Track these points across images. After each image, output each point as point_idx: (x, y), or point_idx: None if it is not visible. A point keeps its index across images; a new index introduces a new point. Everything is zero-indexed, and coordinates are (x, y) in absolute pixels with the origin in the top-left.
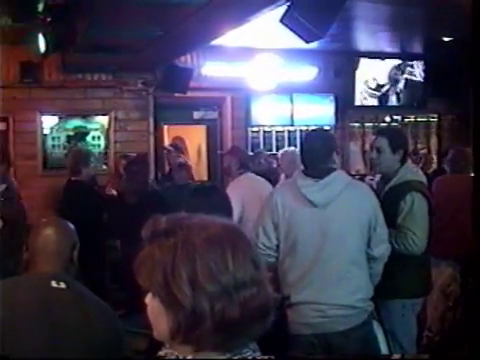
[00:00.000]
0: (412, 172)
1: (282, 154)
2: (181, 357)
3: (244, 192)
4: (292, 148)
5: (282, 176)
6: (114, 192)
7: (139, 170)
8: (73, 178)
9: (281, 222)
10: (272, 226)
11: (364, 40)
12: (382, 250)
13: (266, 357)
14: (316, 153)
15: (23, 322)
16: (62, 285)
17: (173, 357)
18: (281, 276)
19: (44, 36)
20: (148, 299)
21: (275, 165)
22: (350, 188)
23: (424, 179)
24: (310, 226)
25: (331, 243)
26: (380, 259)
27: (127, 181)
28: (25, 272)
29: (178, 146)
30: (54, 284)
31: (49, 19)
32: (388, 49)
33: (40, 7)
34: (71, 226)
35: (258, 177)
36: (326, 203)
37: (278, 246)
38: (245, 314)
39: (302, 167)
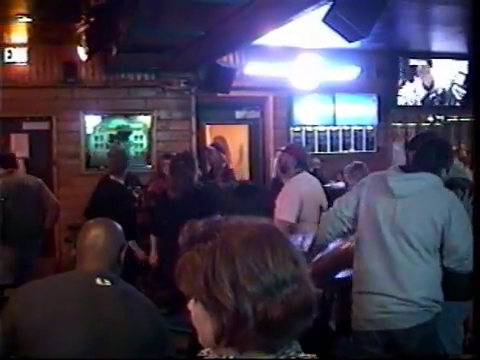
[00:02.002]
0: (458, 170)
1: (347, 168)
2: (223, 357)
3: (303, 191)
4: (358, 162)
5: (340, 183)
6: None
7: (185, 165)
8: (112, 177)
9: (362, 201)
10: (355, 202)
11: (407, 39)
12: (451, 262)
13: (309, 356)
14: (427, 158)
15: (67, 319)
16: (107, 282)
17: (215, 357)
18: (354, 262)
19: (87, 36)
20: (191, 305)
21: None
22: (434, 189)
23: (470, 177)
24: (383, 213)
25: (400, 235)
26: (452, 270)
27: (172, 176)
28: (72, 269)
29: (220, 146)
30: (99, 281)
31: (92, 19)
32: (432, 48)
33: (84, 7)
34: (119, 227)
35: (313, 177)
36: (404, 195)
37: (352, 221)
38: (287, 312)
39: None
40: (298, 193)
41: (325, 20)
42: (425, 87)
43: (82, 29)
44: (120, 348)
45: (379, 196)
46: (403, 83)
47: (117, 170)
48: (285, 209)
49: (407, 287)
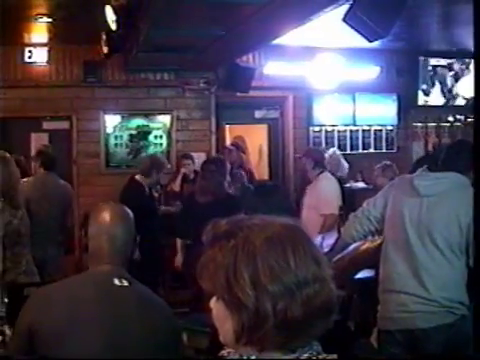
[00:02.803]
0: None
1: (329, 156)
2: (245, 357)
3: (332, 190)
4: (335, 150)
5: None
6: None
7: (217, 170)
8: (137, 177)
9: (390, 201)
10: (383, 201)
11: (428, 39)
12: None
13: (329, 357)
14: (457, 160)
15: (85, 320)
16: (124, 283)
17: (236, 356)
18: (381, 261)
19: (107, 36)
20: (212, 303)
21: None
22: (460, 189)
23: None
24: (409, 212)
25: (425, 234)
26: None
27: (202, 180)
28: (84, 256)
29: (239, 145)
30: (117, 282)
31: (113, 19)
32: (453, 48)
33: (103, 7)
34: (131, 214)
35: (332, 177)
36: (430, 194)
37: (379, 221)
38: (308, 312)
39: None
40: (334, 187)
41: (345, 19)
42: (445, 87)
43: (102, 29)
44: (135, 350)
45: (405, 196)
46: (423, 83)
47: (146, 174)
48: (329, 203)
49: (429, 287)
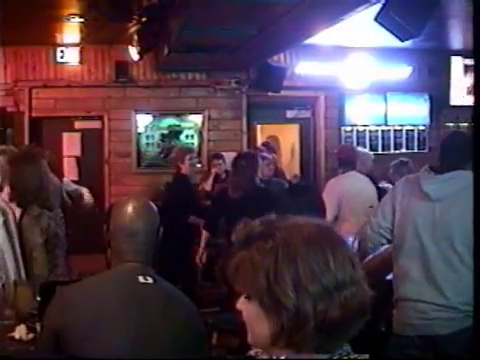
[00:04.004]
0: None
1: (393, 165)
2: (274, 357)
3: (342, 191)
4: (364, 149)
5: (385, 184)
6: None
7: (248, 166)
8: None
9: (398, 209)
10: (391, 210)
11: (459, 38)
12: None
13: (361, 357)
14: (456, 152)
15: (111, 319)
16: (149, 280)
17: (266, 357)
18: (394, 269)
19: (139, 36)
20: (242, 304)
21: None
22: (471, 188)
23: None
24: (421, 219)
25: (440, 239)
26: None
27: (233, 176)
28: (106, 251)
29: (270, 145)
30: (141, 279)
31: (144, 19)
32: None
33: (135, 7)
34: (155, 208)
35: (361, 176)
36: (441, 197)
37: (391, 231)
38: (345, 314)
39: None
40: (336, 193)
41: (377, 19)
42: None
43: (134, 29)
44: (160, 348)
45: (415, 202)
46: (456, 82)
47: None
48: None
49: (448, 294)
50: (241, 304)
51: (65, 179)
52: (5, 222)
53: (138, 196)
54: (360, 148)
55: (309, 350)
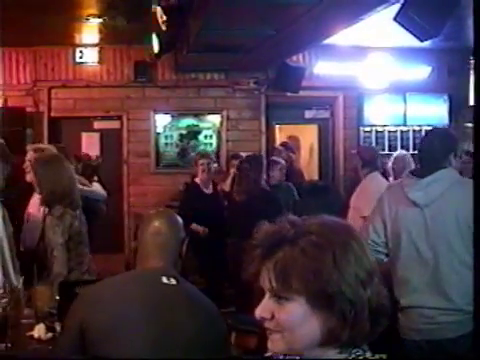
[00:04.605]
0: None
1: (396, 158)
2: (287, 357)
3: (375, 191)
4: (404, 152)
5: (390, 179)
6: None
7: (251, 168)
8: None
9: (388, 221)
10: (382, 224)
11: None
12: None
13: (377, 357)
14: (432, 153)
15: (133, 319)
16: (173, 281)
17: (281, 356)
18: (393, 279)
19: (158, 36)
20: (279, 307)
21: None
22: (457, 186)
23: None
24: (414, 226)
25: (436, 244)
26: None
27: (238, 178)
28: (133, 260)
29: (289, 145)
30: (165, 280)
31: (163, 19)
32: None
33: (154, 8)
34: (180, 220)
35: (381, 178)
36: (428, 202)
37: (387, 244)
38: (379, 301)
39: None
40: (378, 189)
41: (396, 19)
42: None
43: (153, 29)
44: (183, 349)
45: (404, 210)
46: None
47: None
48: (369, 204)
49: (453, 297)
50: (276, 307)
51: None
52: None
53: (165, 208)
54: (403, 151)
55: (361, 343)
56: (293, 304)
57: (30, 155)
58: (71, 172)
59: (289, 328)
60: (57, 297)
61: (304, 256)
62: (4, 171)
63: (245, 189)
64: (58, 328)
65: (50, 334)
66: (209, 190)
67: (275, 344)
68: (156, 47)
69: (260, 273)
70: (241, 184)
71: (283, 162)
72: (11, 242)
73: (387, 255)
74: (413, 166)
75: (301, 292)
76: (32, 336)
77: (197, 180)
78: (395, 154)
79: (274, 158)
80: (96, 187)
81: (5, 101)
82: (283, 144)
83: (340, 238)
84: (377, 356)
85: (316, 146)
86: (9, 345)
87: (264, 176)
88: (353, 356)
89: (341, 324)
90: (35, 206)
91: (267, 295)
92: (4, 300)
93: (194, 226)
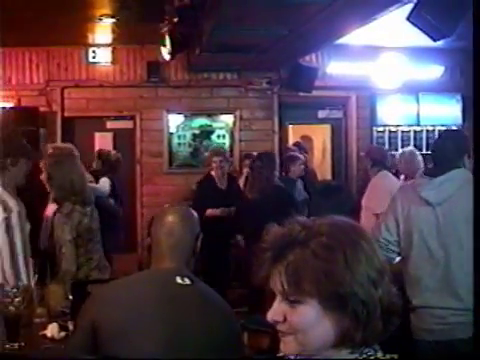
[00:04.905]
0: None
1: (400, 155)
2: (298, 357)
3: (393, 188)
4: (410, 148)
5: (401, 177)
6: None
7: (263, 166)
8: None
9: (400, 220)
10: (394, 223)
11: None
12: None
13: (388, 357)
14: (445, 153)
15: (147, 319)
16: (187, 281)
17: (292, 356)
18: (404, 279)
19: (171, 36)
20: (291, 309)
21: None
22: (469, 186)
23: None
24: (426, 225)
25: (447, 243)
26: None
27: (251, 177)
28: (147, 257)
29: (301, 145)
30: (179, 280)
31: (176, 19)
32: None
33: (167, 8)
34: (195, 215)
35: (392, 176)
36: (440, 201)
37: (399, 243)
38: (390, 299)
39: (429, 166)
40: (389, 187)
41: (409, 19)
42: None
43: (165, 29)
44: (196, 349)
45: (416, 209)
46: None
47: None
48: (381, 202)
49: (462, 296)
50: (288, 310)
51: None
52: (6, 219)
53: (179, 205)
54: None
55: (373, 342)
56: (305, 306)
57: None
58: (81, 169)
59: (302, 330)
60: (70, 296)
61: (315, 258)
62: (25, 168)
63: (258, 187)
64: (71, 327)
65: (63, 333)
66: (223, 186)
67: (288, 346)
68: (169, 47)
69: (271, 276)
70: (254, 182)
71: (303, 158)
72: (26, 240)
73: (399, 254)
74: (421, 160)
75: (313, 294)
76: (45, 335)
77: (213, 173)
78: (403, 149)
79: (295, 154)
80: (102, 183)
81: (18, 101)
82: (296, 144)
83: (350, 238)
84: (388, 356)
85: (329, 146)
86: (22, 344)
87: (277, 173)
88: (364, 356)
89: (354, 325)
90: (51, 209)
91: (278, 298)
92: (17, 299)
93: (209, 212)
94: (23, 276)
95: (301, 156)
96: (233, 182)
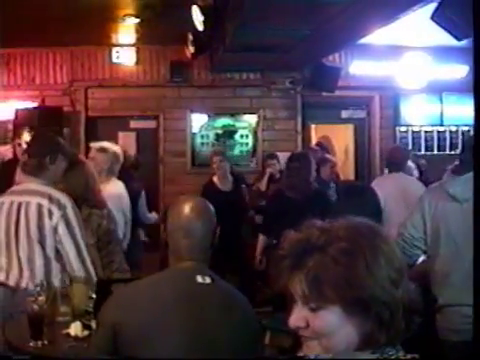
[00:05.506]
0: None
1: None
2: (319, 356)
3: (384, 192)
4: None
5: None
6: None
7: (301, 166)
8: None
9: (427, 217)
10: (421, 220)
11: None
12: None
13: (409, 356)
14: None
15: (169, 320)
16: (207, 280)
17: (312, 356)
18: (430, 277)
19: (194, 36)
20: (314, 316)
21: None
22: None
23: None
24: (453, 221)
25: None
26: None
27: (288, 177)
28: (164, 251)
29: (324, 145)
30: (200, 279)
31: (199, 19)
32: None
33: (190, 8)
34: (211, 207)
35: (408, 177)
36: (468, 197)
37: (425, 240)
38: (411, 298)
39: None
40: (399, 187)
41: (433, 18)
42: None
43: (189, 29)
44: (218, 349)
45: (444, 206)
46: None
47: None
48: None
49: None
50: (310, 315)
51: None
52: (63, 216)
53: (194, 196)
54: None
55: (398, 342)
56: (327, 312)
57: (93, 153)
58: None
59: (325, 335)
60: (93, 295)
61: (336, 264)
62: (63, 165)
63: (299, 187)
64: (94, 326)
65: (86, 332)
66: (226, 187)
67: (311, 349)
68: (192, 47)
69: (290, 283)
70: (293, 182)
71: (334, 160)
72: (84, 234)
73: (424, 252)
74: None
75: (335, 300)
76: (68, 334)
77: (214, 178)
78: None
79: (326, 156)
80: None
81: (42, 101)
82: (318, 144)
83: (369, 241)
84: (409, 356)
85: (352, 146)
86: (45, 342)
87: (314, 174)
88: (386, 355)
89: (377, 327)
90: None
91: (299, 303)
92: (41, 298)
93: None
94: (91, 270)
95: (332, 158)
96: (240, 183)
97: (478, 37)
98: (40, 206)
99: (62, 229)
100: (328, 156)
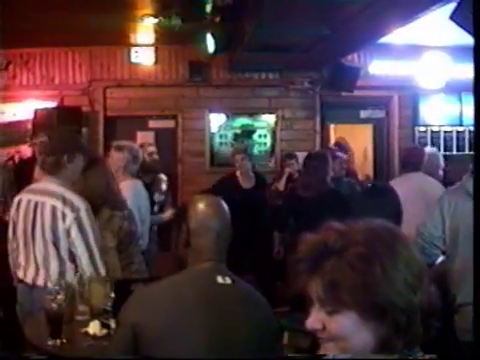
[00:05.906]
0: None
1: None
2: (338, 356)
3: (402, 192)
4: (432, 149)
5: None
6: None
7: (319, 165)
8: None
9: (447, 217)
10: (441, 219)
11: None
12: None
13: (427, 357)
14: None
15: (189, 321)
16: (228, 281)
17: (330, 356)
18: (449, 277)
19: (213, 36)
20: (329, 320)
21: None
22: None
23: None
24: (471, 218)
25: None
26: None
27: (305, 175)
28: (184, 252)
29: (342, 145)
30: (220, 280)
31: (218, 19)
32: None
33: (209, 8)
34: (225, 205)
35: (427, 177)
36: None
37: (444, 240)
38: (430, 301)
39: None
40: (416, 187)
41: (452, 17)
42: None
43: (208, 29)
44: (238, 349)
45: (463, 204)
46: None
47: None
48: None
49: None
50: (326, 318)
51: None
52: (76, 218)
53: (210, 195)
54: (428, 148)
55: (416, 346)
56: (343, 316)
57: (112, 153)
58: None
59: (341, 338)
60: (112, 294)
61: (352, 270)
62: (81, 164)
63: (314, 186)
64: (113, 325)
65: (105, 330)
66: (248, 184)
67: (329, 351)
68: (211, 47)
69: (308, 285)
70: (309, 181)
71: (344, 156)
72: (98, 237)
73: (443, 253)
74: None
75: (351, 305)
76: (87, 332)
77: (237, 173)
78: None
79: (337, 153)
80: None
81: (61, 100)
82: (337, 144)
83: (387, 246)
84: (427, 356)
85: (371, 146)
86: (64, 341)
87: (331, 173)
88: (403, 356)
89: (394, 333)
90: None
91: (316, 305)
92: (59, 296)
93: None
94: (102, 272)
95: (343, 155)
96: (262, 182)
97: (478, 37)
98: (54, 208)
99: (75, 232)
100: (339, 153)
